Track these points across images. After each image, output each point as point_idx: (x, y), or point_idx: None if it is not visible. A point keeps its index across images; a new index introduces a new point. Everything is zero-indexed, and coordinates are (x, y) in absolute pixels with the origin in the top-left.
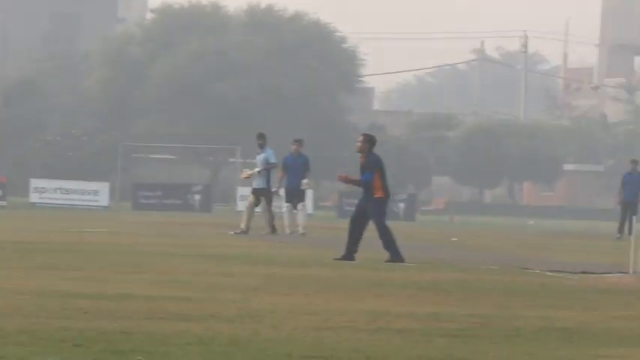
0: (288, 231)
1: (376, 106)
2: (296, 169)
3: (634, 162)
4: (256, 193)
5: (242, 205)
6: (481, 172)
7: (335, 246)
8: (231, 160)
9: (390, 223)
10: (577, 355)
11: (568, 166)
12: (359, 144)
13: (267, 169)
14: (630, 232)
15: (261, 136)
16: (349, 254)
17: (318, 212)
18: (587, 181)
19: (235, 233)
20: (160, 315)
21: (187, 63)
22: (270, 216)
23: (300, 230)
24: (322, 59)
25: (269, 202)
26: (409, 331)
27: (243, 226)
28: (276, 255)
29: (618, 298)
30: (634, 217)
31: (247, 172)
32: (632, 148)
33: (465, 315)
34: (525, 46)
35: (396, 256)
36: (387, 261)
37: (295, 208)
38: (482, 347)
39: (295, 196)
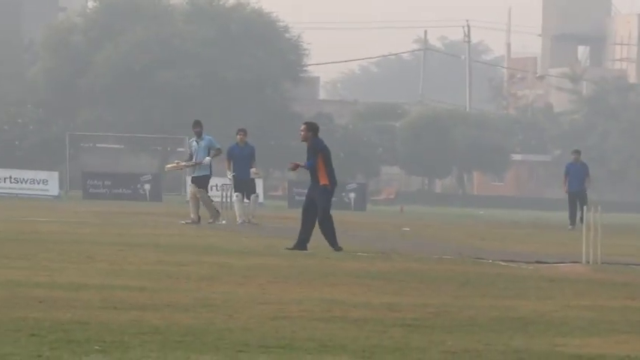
0: (239, 220)
1: (322, 95)
2: (243, 159)
3: (576, 152)
4: (197, 181)
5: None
6: (430, 162)
7: (287, 235)
8: (180, 149)
9: (342, 213)
10: (532, 345)
11: (516, 156)
12: (302, 133)
13: (215, 155)
14: (582, 222)
15: (198, 124)
16: (302, 243)
17: (268, 202)
18: (536, 170)
19: (186, 223)
20: (114, 305)
21: (131, 52)
22: (209, 201)
23: (254, 220)
24: (266, 49)
25: (205, 190)
26: (364, 320)
27: (193, 216)
28: (229, 245)
29: (572, 287)
30: (585, 207)
31: (181, 164)
32: (578, 137)
33: (420, 305)
34: (468, 35)
35: (334, 246)
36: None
37: (247, 198)
38: (438, 337)
39: (246, 187)
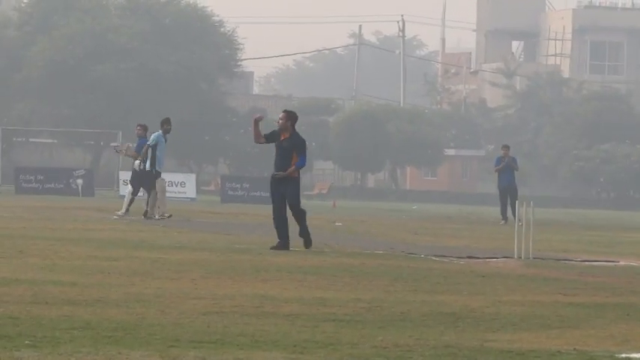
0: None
1: (256, 90)
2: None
3: (505, 147)
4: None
5: (124, 190)
6: (363, 157)
7: (220, 231)
8: (113, 144)
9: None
10: (463, 340)
11: (449, 151)
12: (281, 121)
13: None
14: (514, 217)
15: (168, 121)
16: (285, 243)
17: (201, 197)
18: (469, 165)
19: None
20: (46, 300)
21: (66, 46)
22: (154, 200)
23: (154, 215)
24: (201, 43)
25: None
26: (296, 315)
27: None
28: (161, 240)
29: (504, 282)
30: (516, 202)
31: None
32: (511, 132)
33: (352, 300)
34: (403, 30)
35: (307, 242)
36: (306, 247)
37: (148, 193)
38: (369, 332)
39: (146, 182)
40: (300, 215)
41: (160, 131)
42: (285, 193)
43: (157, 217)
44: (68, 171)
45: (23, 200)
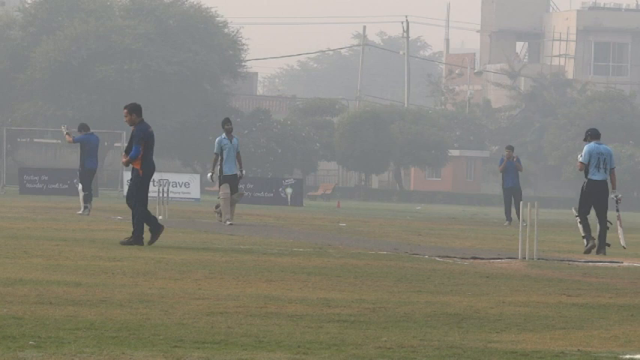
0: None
1: (260, 91)
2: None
3: (510, 148)
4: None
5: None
6: (367, 157)
7: (224, 231)
8: (117, 144)
9: (279, 209)
10: (467, 341)
11: (454, 152)
12: (126, 118)
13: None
14: (519, 218)
15: (229, 121)
16: (139, 238)
17: (205, 197)
18: (473, 166)
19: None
20: (50, 300)
21: (70, 46)
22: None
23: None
24: (204, 44)
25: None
26: (300, 316)
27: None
28: (165, 240)
29: (508, 283)
30: (520, 203)
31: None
32: (515, 133)
33: (356, 300)
34: (407, 31)
35: (136, 238)
36: (122, 242)
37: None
38: (373, 332)
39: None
40: (136, 206)
41: (223, 134)
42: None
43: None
44: (72, 171)
45: (27, 200)
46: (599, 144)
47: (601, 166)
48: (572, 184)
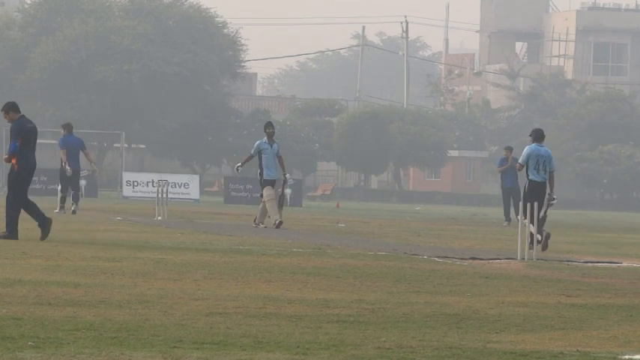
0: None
1: (259, 91)
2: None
3: (508, 149)
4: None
5: (127, 191)
6: (366, 158)
7: (223, 231)
8: (116, 145)
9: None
10: (466, 341)
11: (453, 152)
12: (6, 119)
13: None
14: (517, 218)
15: (271, 125)
16: (13, 232)
17: (204, 198)
18: (472, 167)
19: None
20: (49, 301)
21: (69, 47)
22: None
23: (72, 209)
24: (204, 44)
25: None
26: (299, 316)
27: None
28: (164, 240)
29: (507, 283)
30: (520, 204)
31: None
32: (515, 134)
33: (355, 301)
34: (406, 31)
35: (10, 234)
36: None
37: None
38: (372, 333)
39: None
40: (10, 206)
41: (264, 138)
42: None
43: (263, 225)
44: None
45: None
46: (540, 146)
47: (540, 167)
48: (572, 185)
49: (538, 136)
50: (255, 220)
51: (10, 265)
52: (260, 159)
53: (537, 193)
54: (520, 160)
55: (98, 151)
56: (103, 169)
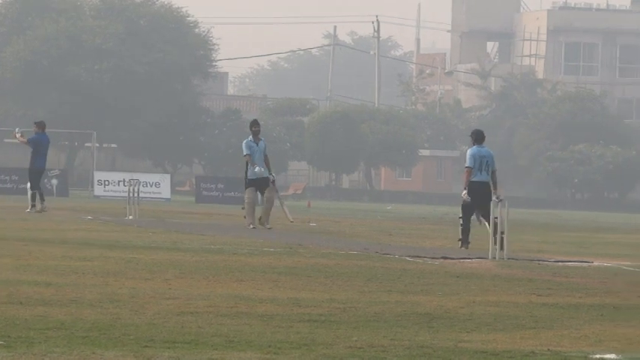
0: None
1: (230, 91)
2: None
3: None
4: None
5: (98, 190)
6: (338, 157)
7: (194, 231)
8: (87, 144)
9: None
10: (437, 340)
11: (424, 152)
12: None
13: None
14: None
15: (257, 123)
16: None
17: (176, 197)
18: (444, 166)
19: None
20: (20, 300)
21: (40, 46)
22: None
23: (38, 208)
24: (175, 44)
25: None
26: (271, 316)
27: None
28: (135, 240)
29: (478, 283)
30: (491, 203)
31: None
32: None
33: (326, 300)
34: (378, 31)
35: None
36: None
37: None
38: (344, 332)
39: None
40: None
41: (250, 137)
42: None
43: (267, 225)
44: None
45: None
46: (482, 147)
47: (483, 168)
48: (543, 184)
49: (478, 137)
50: (259, 221)
51: None
52: (252, 158)
53: (481, 193)
54: (468, 164)
55: (69, 151)
56: (74, 168)
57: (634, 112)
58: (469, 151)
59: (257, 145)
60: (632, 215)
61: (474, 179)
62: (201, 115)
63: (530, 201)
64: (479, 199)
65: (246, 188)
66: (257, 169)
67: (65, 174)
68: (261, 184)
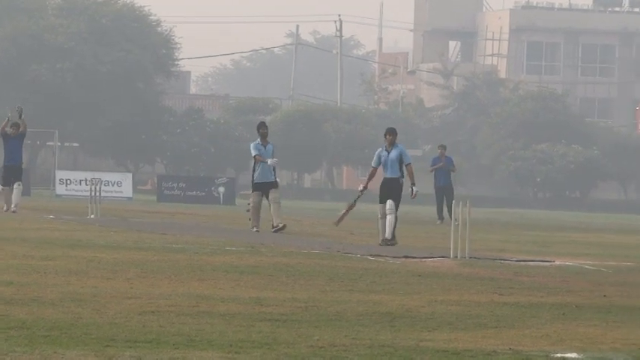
0: (5, 208)
1: (193, 90)
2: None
3: (442, 147)
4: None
5: (60, 189)
6: (300, 156)
7: (156, 230)
8: (49, 143)
9: (211, 207)
10: (399, 339)
11: None
12: None
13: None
14: (451, 216)
15: (264, 125)
16: None
17: (137, 196)
18: None
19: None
20: None
21: (2, 45)
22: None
23: (13, 208)
24: (137, 43)
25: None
26: (232, 315)
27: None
28: (97, 239)
29: (440, 282)
30: (453, 202)
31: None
32: (448, 132)
33: (288, 299)
34: (340, 30)
35: None
36: None
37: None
38: (305, 331)
39: (14, 175)
40: None
41: (258, 139)
42: None
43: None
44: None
45: None
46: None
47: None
48: (505, 183)
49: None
50: (272, 225)
51: None
52: (254, 161)
53: (390, 187)
54: (373, 164)
55: (31, 150)
56: (36, 167)
57: (596, 112)
58: (377, 152)
59: (265, 148)
60: (594, 214)
61: (385, 175)
62: (163, 114)
63: (493, 200)
64: (387, 193)
65: (252, 192)
66: (270, 161)
67: (27, 173)
68: (266, 189)
